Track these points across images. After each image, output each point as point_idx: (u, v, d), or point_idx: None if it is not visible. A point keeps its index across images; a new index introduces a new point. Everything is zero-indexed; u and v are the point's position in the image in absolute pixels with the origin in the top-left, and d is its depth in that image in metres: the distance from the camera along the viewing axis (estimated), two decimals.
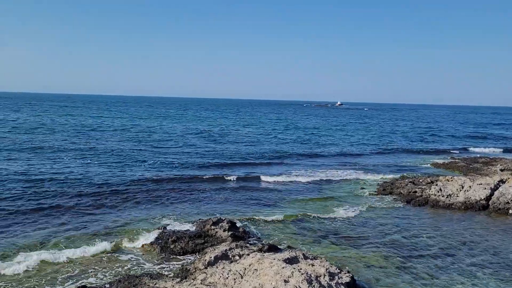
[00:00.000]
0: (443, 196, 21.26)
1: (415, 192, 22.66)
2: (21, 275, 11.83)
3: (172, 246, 14.09)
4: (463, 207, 20.32)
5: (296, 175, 27.60)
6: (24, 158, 29.03)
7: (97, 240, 14.57)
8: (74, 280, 11.64)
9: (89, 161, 29.41)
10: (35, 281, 11.53)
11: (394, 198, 22.34)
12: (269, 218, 18.02)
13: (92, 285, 11.06)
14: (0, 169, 24.87)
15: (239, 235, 14.96)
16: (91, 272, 12.26)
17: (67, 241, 14.36)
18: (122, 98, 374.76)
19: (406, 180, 25.53)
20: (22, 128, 51.30)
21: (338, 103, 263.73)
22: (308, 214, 18.85)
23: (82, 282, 11.37)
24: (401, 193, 22.95)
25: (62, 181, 22.37)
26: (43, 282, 11.50)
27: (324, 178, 26.93)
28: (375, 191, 23.78)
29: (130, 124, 65.20)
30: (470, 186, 21.54)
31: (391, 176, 28.10)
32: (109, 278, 11.76)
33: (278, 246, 13.98)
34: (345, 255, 14.06)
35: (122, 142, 41.60)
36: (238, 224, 16.10)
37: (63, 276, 11.89)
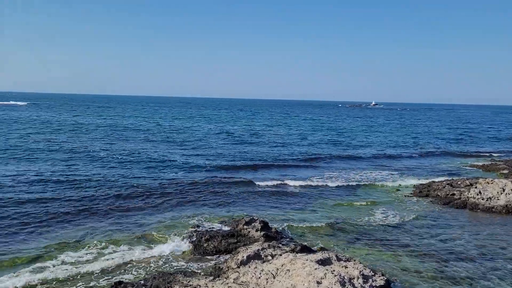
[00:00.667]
0: (482, 199, 20.53)
1: (453, 194, 21.99)
2: (58, 272, 12.25)
3: (205, 245, 14.25)
4: (504, 210, 19.56)
5: (329, 177, 27.35)
6: (64, 159, 30.07)
7: (132, 238, 14.94)
8: (110, 276, 11.97)
9: (124, 162, 30.13)
10: (73, 276, 11.92)
11: (431, 201, 21.76)
12: (301, 219, 17.94)
13: (128, 282, 11.32)
14: (41, 170, 25.83)
15: (272, 235, 14.95)
16: (126, 269, 12.57)
17: (105, 240, 14.72)
18: (148, 98, 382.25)
19: (444, 182, 24.80)
20: (62, 130, 53.19)
21: (373, 103, 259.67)
22: (342, 216, 18.65)
23: (118, 278, 11.67)
24: (438, 195, 22.33)
25: (99, 182, 22.93)
26: (79, 277, 11.88)
27: (358, 180, 26.56)
28: (411, 193, 23.24)
29: (164, 125, 66.43)
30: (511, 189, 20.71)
31: (427, 178, 27.37)
32: (144, 275, 12.01)
33: (311, 247, 13.89)
34: (380, 257, 13.81)
35: (157, 143, 42.45)
36: (270, 225, 16.09)
37: (99, 272, 12.24)
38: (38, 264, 12.43)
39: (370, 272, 10.89)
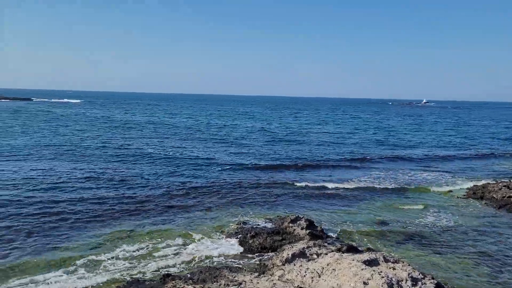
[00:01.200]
0: None
1: (510, 197, 20.87)
2: (112, 265, 12.76)
3: (250, 241, 14.36)
4: None
5: (376, 178, 26.68)
6: (113, 156, 31.32)
7: (179, 234, 15.31)
8: (158, 269, 12.35)
9: (172, 160, 30.91)
10: (126, 268, 12.40)
11: (486, 203, 20.78)
12: (347, 219, 17.68)
13: (176, 274, 11.62)
14: (91, 166, 26.99)
15: (317, 234, 14.83)
16: (174, 262, 12.91)
17: (155, 235, 15.16)
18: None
19: (500, 184, 23.57)
20: (113, 126, 55.29)
21: (424, 101, 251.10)
22: (390, 217, 18.20)
23: (165, 271, 12.02)
24: (494, 197, 21.27)
25: (149, 180, 23.52)
26: (131, 269, 12.34)
27: (408, 181, 25.78)
28: (464, 195, 22.29)
29: (208, 123, 67.44)
30: None
31: (482, 180, 26.12)
32: (191, 269, 12.29)
33: (357, 247, 13.66)
34: (430, 260, 13.38)
35: (202, 141, 43.18)
36: (316, 224, 15.97)
37: (149, 265, 12.65)
38: (93, 257, 12.96)
39: (419, 274, 10.56)
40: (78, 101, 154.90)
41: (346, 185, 24.22)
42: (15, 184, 20.91)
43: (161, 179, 23.64)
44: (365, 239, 15.26)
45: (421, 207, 19.98)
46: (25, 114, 72.78)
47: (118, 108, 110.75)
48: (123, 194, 20.22)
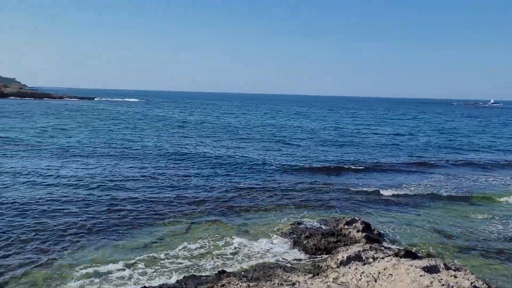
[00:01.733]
0: None
1: None
2: (169, 261, 13.21)
3: (304, 242, 14.30)
4: None
5: (438, 183, 25.50)
6: (169, 155, 32.36)
7: (235, 232, 15.56)
8: (213, 265, 12.64)
9: (227, 159, 31.46)
10: (180, 263, 12.79)
11: None
12: (405, 224, 17.11)
13: (230, 272, 11.81)
14: (145, 165, 28.05)
15: (374, 237, 14.49)
16: (230, 259, 13.14)
17: (212, 233, 15.47)
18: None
19: None
20: (170, 126, 57.07)
21: (491, 101, 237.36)
22: (452, 223, 17.38)
23: (221, 268, 12.26)
24: None
25: (207, 180, 23.91)
26: (189, 265, 12.70)
27: (472, 188, 24.37)
28: None
29: (264, 123, 67.75)
30: None
31: None
32: (245, 267, 12.45)
33: (416, 253, 13.18)
34: (495, 270, 12.65)
35: (260, 142, 43.48)
36: (372, 227, 15.60)
37: (207, 261, 12.97)
38: (154, 254, 13.43)
39: (483, 284, 10.02)
40: (136, 100, 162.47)
41: (405, 191, 23.20)
42: (79, 181, 22.03)
43: (217, 179, 24.02)
44: (424, 244, 14.70)
45: (486, 215, 18.85)
46: (91, 112, 77.02)
47: (177, 107, 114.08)
48: (180, 193, 20.74)
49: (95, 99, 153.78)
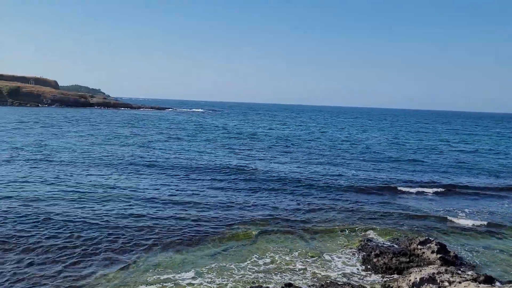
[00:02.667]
0: None
1: None
2: (237, 270, 13.41)
3: (374, 260, 13.87)
4: None
5: None
6: (241, 168, 32.75)
7: (303, 247, 15.48)
8: (279, 277, 12.66)
9: (300, 175, 31.29)
10: (249, 275, 12.94)
11: None
12: (486, 247, 16.00)
13: (297, 286, 11.75)
14: (224, 179, 28.55)
15: (449, 260, 13.72)
16: (296, 274, 13.09)
17: (281, 246, 15.57)
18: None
19: None
20: (241, 137, 57.98)
21: None
22: None
23: (288, 280, 12.24)
24: None
25: (277, 195, 24.33)
26: (257, 277, 12.82)
27: None
28: None
29: (332, 135, 66.73)
30: None
31: None
32: (313, 282, 12.32)
33: (497, 279, 12.28)
34: None
35: (332, 157, 42.87)
36: (449, 248, 14.76)
37: (275, 274, 13.04)
38: (223, 264, 13.83)
39: None
40: (201, 110, 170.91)
41: (486, 216, 21.19)
42: (152, 191, 22.95)
43: (286, 195, 23.91)
44: (506, 272, 13.64)
45: None
46: (165, 122, 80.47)
47: (244, 118, 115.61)
48: (248, 206, 21.00)
49: (168, 109, 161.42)
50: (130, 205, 19.91)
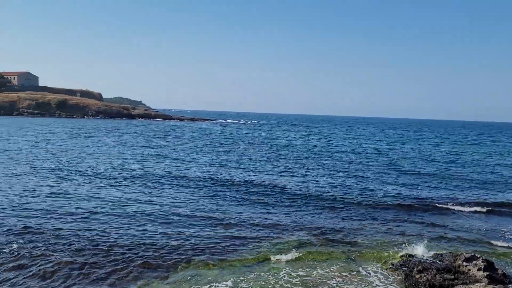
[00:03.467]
0: None
1: None
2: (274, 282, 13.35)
3: (417, 276, 13.43)
4: None
5: None
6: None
7: (343, 260, 15.22)
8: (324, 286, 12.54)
9: (328, 179, 30.94)
10: (284, 286, 12.86)
11: None
12: None
13: None
14: (266, 193, 28.59)
15: (498, 278, 13.09)
16: (333, 287, 12.88)
17: (317, 259, 15.40)
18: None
19: None
20: (275, 147, 57.97)
21: None
22: None
23: None
24: None
25: (316, 207, 24.01)
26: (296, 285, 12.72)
27: None
28: None
29: (376, 147, 65.41)
30: None
31: None
32: None
33: None
34: None
35: (371, 170, 42.12)
36: (497, 265, 14.10)
37: (310, 285, 12.91)
38: (259, 274, 13.79)
39: None
40: (237, 121, 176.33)
41: None
42: (190, 208, 22.58)
43: (323, 209, 23.39)
44: None
45: None
46: (200, 132, 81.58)
47: (291, 130, 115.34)
48: (285, 219, 20.86)
49: (199, 121, 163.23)
50: (167, 220, 19.71)
